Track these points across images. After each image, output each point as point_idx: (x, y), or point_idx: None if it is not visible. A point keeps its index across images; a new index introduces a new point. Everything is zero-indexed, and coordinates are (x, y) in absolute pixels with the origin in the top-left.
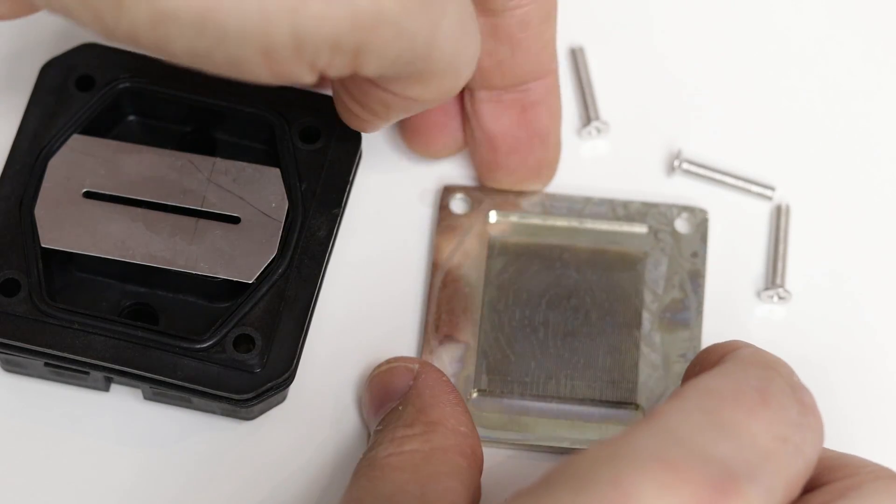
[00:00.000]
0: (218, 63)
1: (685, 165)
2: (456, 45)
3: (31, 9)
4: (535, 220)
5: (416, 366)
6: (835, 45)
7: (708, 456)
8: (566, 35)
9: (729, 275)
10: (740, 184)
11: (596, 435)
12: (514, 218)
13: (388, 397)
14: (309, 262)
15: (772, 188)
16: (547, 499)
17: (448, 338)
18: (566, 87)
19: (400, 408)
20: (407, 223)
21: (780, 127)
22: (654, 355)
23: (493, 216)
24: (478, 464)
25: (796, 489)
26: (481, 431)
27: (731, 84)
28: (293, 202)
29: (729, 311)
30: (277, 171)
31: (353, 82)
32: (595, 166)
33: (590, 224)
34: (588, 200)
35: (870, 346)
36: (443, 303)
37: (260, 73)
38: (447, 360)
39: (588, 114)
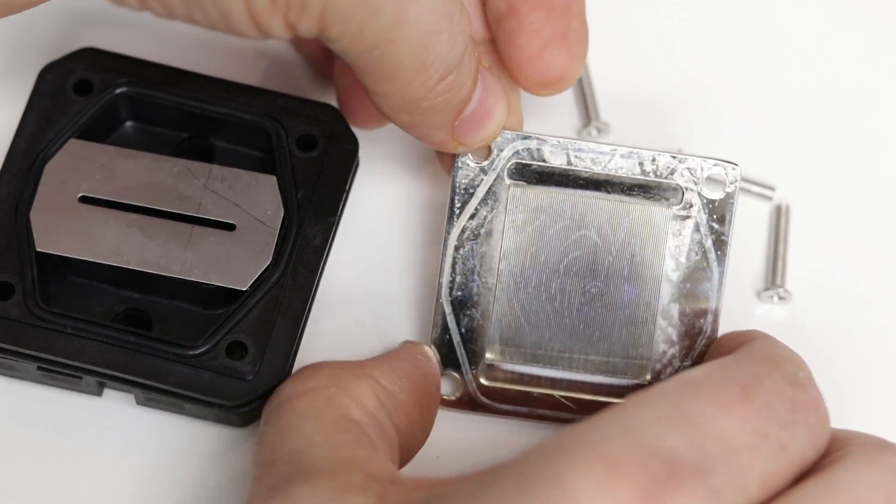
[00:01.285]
0: (208, 12)
1: None
2: (423, 37)
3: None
4: (558, 172)
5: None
6: (835, 45)
7: (653, 448)
8: None
9: (729, 275)
10: (740, 184)
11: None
12: (535, 168)
13: None
14: (303, 271)
15: (772, 188)
16: (488, 496)
17: (462, 304)
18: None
19: None
20: (404, 232)
21: (780, 127)
22: (671, 329)
23: (513, 166)
24: (392, 418)
25: (777, 485)
26: (493, 407)
27: (732, 84)
28: (289, 210)
29: (729, 310)
30: (273, 178)
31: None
32: None
33: (615, 181)
34: (614, 152)
35: (870, 346)
36: (457, 264)
37: (244, 25)
38: (460, 328)
39: (588, 114)
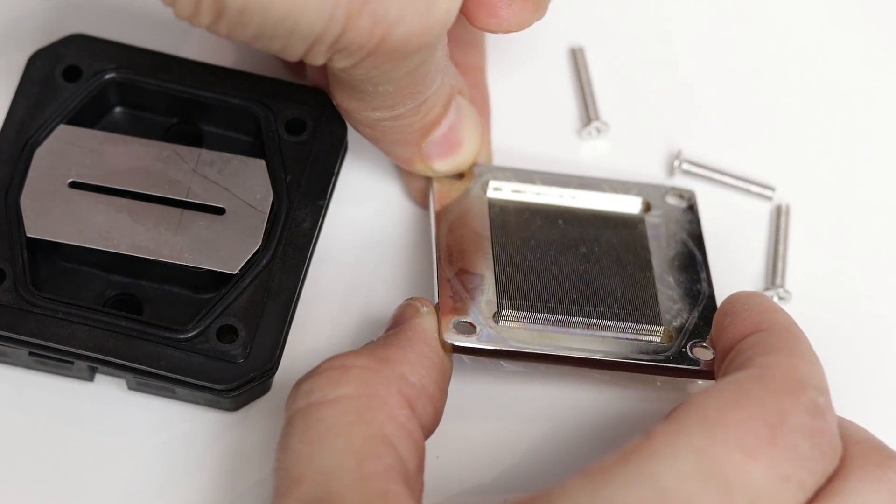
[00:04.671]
0: (273, 45)
1: (685, 166)
2: (415, 84)
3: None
4: (532, 189)
5: (426, 308)
6: (835, 45)
7: None
8: (566, 35)
9: (729, 275)
10: (740, 184)
11: (625, 349)
12: (510, 187)
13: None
14: (293, 254)
15: (772, 188)
16: None
17: (463, 271)
18: (566, 87)
19: (375, 339)
20: (392, 215)
21: (780, 127)
22: (671, 292)
23: (489, 188)
24: (420, 418)
25: None
26: (511, 344)
27: (731, 84)
28: (278, 193)
29: None
30: (263, 162)
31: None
32: (595, 166)
33: (586, 193)
34: (581, 178)
35: (870, 346)
36: (452, 245)
37: (294, 56)
38: (465, 287)
39: (588, 114)
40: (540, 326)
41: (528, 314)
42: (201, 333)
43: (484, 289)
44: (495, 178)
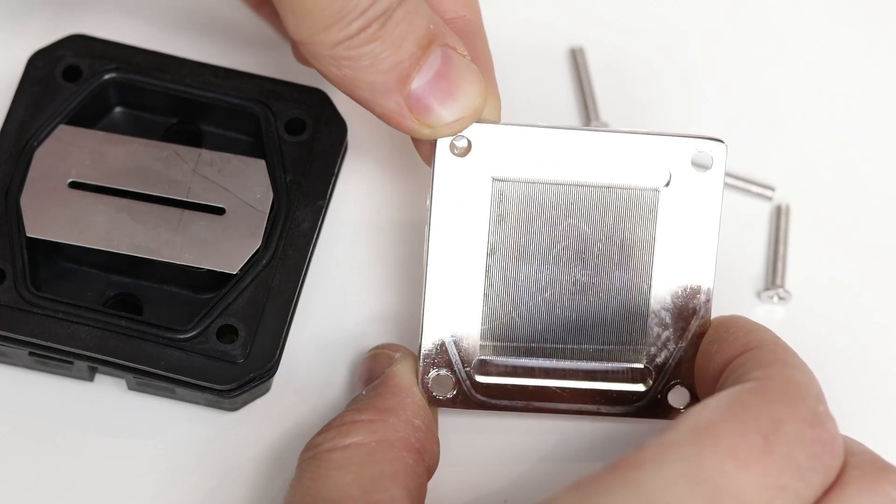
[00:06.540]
0: None
1: None
2: None
3: None
4: (542, 163)
5: (398, 354)
6: (835, 45)
7: None
8: (566, 35)
9: (729, 275)
10: (740, 184)
11: (599, 399)
12: (517, 159)
13: (368, 384)
14: (293, 254)
15: (772, 188)
16: None
17: (450, 302)
18: (566, 86)
19: (363, 393)
20: (393, 215)
21: (780, 127)
22: (664, 312)
23: (494, 159)
24: (425, 460)
25: None
26: (483, 402)
27: (731, 84)
28: (278, 194)
29: (729, 311)
30: (263, 162)
31: None
32: None
33: (600, 164)
34: (597, 135)
35: (869, 346)
36: (442, 263)
37: None
38: (450, 325)
39: (588, 114)
40: (522, 366)
41: (510, 359)
42: (201, 333)
43: (469, 327)
44: (500, 154)
